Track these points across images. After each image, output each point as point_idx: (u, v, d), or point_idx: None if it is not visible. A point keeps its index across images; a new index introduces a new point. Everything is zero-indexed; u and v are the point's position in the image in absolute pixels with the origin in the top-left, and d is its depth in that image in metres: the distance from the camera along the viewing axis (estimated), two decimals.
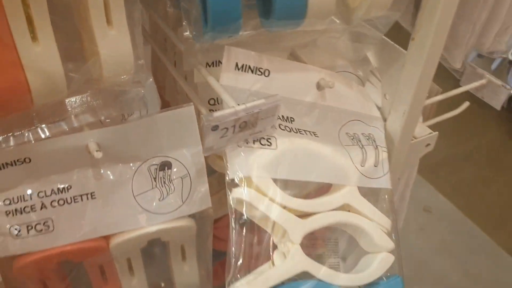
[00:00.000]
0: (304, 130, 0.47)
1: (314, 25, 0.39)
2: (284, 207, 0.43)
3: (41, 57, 0.32)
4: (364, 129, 0.51)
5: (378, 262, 0.47)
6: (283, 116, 0.45)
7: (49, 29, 0.32)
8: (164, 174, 0.42)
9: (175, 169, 0.42)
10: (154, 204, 0.42)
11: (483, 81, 0.65)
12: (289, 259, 0.42)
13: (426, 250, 1.63)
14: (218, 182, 0.57)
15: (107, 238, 0.42)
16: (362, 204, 0.48)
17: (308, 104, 0.48)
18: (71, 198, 0.40)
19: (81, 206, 0.41)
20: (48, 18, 0.32)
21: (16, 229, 0.39)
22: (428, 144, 0.57)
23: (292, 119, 0.46)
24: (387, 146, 0.51)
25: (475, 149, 1.98)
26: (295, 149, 0.45)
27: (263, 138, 0.43)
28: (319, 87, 0.48)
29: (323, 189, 0.48)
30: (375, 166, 0.50)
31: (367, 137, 0.51)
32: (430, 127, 0.59)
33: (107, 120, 0.40)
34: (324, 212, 0.46)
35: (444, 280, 1.53)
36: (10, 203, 0.39)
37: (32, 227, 0.40)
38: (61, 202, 0.40)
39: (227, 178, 0.41)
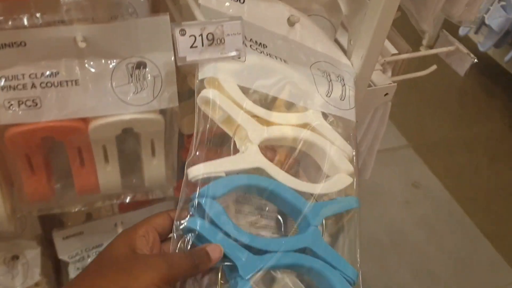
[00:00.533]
0: (276, 56, 0.51)
1: None
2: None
3: None
4: (334, 70, 0.55)
5: (336, 179, 0.49)
6: (256, 41, 0.50)
7: None
8: (139, 72, 0.49)
9: (149, 69, 0.49)
10: (129, 96, 0.49)
11: (450, 48, 0.69)
12: (246, 153, 0.45)
13: (407, 222, 1.69)
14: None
15: (86, 122, 0.50)
16: (324, 128, 0.50)
17: (281, 37, 0.52)
18: (58, 82, 0.47)
19: (66, 90, 0.48)
20: None
21: (9, 102, 0.46)
22: (386, 94, 0.62)
23: (265, 45, 0.51)
24: None
25: (474, 136, 2.03)
26: (263, 65, 0.48)
27: (233, 52, 0.46)
28: (290, 23, 0.53)
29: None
30: (341, 99, 0.52)
31: (337, 76, 0.54)
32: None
33: (94, 19, 0.47)
34: (286, 126, 0.48)
35: (419, 251, 1.60)
36: (5, 80, 0.46)
37: (22, 103, 0.47)
38: (49, 84, 0.47)
39: (196, 80, 0.46)
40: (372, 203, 1.75)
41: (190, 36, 0.43)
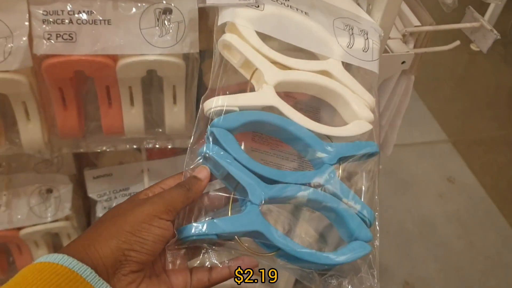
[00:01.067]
0: (297, 8, 0.51)
1: None
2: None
3: None
4: (358, 25, 0.55)
5: (355, 124, 0.48)
6: None
7: None
8: (165, 17, 0.53)
9: (174, 15, 0.53)
10: (155, 39, 0.54)
11: (475, 24, 0.70)
12: (261, 91, 0.46)
13: (438, 215, 1.68)
14: None
15: (115, 60, 0.55)
16: (345, 76, 0.49)
17: None
18: (92, 20, 0.52)
19: (99, 28, 0.53)
20: None
21: (48, 34, 0.52)
22: (403, 62, 0.64)
23: None
24: None
25: None
26: (281, 15, 0.49)
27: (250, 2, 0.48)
28: None
29: None
30: (364, 51, 0.52)
31: (361, 31, 0.54)
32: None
33: None
34: (304, 71, 0.48)
35: (448, 245, 1.59)
36: (46, 14, 0.52)
37: (60, 36, 0.52)
38: (85, 21, 0.52)
39: (215, 26, 0.49)
40: (404, 193, 1.75)
41: None
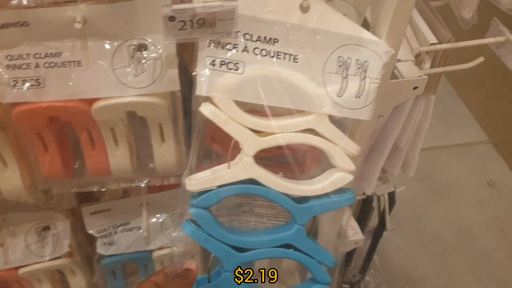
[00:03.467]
0: (285, 53, 0.47)
1: None
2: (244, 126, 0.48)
3: None
4: (359, 55, 0.49)
5: (335, 178, 0.51)
6: (265, 38, 0.47)
7: None
8: (140, 54, 0.48)
9: (149, 51, 0.48)
10: (129, 78, 0.49)
11: (500, 38, 0.62)
12: (239, 166, 0.49)
13: (477, 222, 1.59)
14: None
15: (90, 103, 0.50)
16: (328, 130, 0.49)
17: (293, 26, 0.47)
18: (61, 62, 0.48)
19: (69, 70, 0.48)
20: None
21: (14, 81, 0.48)
22: (415, 87, 0.57)
23: (275, 40, 0.47)
24: None
25: None
26: (263, 75, 0.47)
27: (231, 63, 0.46)
28: (303, 9, 0.48)
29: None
30: (356, 96, 0.49)
31: (360, 65, 0.49)
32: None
33: None
34: (286, 133, 0.49)
35: (488, 255, 1.49)
36: (11, 59, 0.47)
37: (26, 81, 0.48)
38: (52, 64, 0.48)
39: (194, 94, 0.46)
40: (440, 198, 1.66)
41: (180, 21, 0.42)
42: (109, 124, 0.53)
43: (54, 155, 0.55)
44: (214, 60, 0.45)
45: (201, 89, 0.46)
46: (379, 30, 0.50)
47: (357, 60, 0.49)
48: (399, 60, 0.56)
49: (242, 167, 0.49)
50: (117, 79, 0.48)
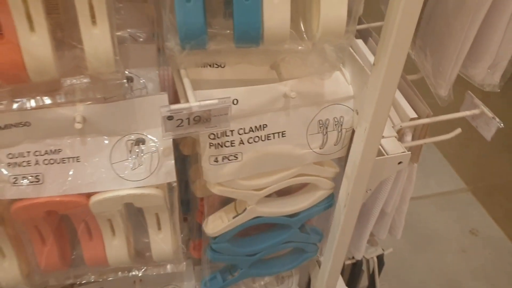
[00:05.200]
0: (273, 134, 0.55)
1: (273, 47, 0.46)
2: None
3: (35, 44, 0.41)
4: (337, 112, 0.57)
5: (316, 195, 0.64)
6: (256, 127, 0.53)
7: (43, 22, 0.41)
8: (138, 148, 0.50)
9: (147, 145, 0.50)
10: (127, 172, 0.50)
11: (475, 111, 0.66)
12: (246, 212, 0.61)
13: (463, 273, 1.60)
14: None
15: (87, 196, 0.51)
16: (311, 168, 0.60)
17: (278, 109, 0.54)
18: (60, 159, 0.49)
19: (67, 166, 0.50)
20: (43, 14, 0.40)
21: (14, 178, 0.49)
22: (400, 162, 0.59)
23: (264, 126, 0.54)
24: (353, 160, 0.57)
25: None
26: (257, 156, 0.55)
27: (231, 155, 0.54)
28: (286, 96, 0.53)
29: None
30: (335, 144, 0.59)
31: (336, 122, 0.57)
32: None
33: (96, 97, 0.48)
34: (279, 183, 0.60)
35: None
36: (12, 157, 0.49)
37: (26, 178, 0.49)
38: (52, 161, 0.49)
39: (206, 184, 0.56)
40: (424, 249, 1.67)
41: (177, 120, 0.44)
42: (106, 216, 0.54)
43: (51, 247, 0.56)
44: (216, 158, 0.53)
45: (208, 178, 0.54)
46: (360, 124, 0.54)
47: (334, 118, 0.57)
48: (383, 137, 0.59)
49: (248, 213, 0.61)
50: (115, 173, 0.50)
